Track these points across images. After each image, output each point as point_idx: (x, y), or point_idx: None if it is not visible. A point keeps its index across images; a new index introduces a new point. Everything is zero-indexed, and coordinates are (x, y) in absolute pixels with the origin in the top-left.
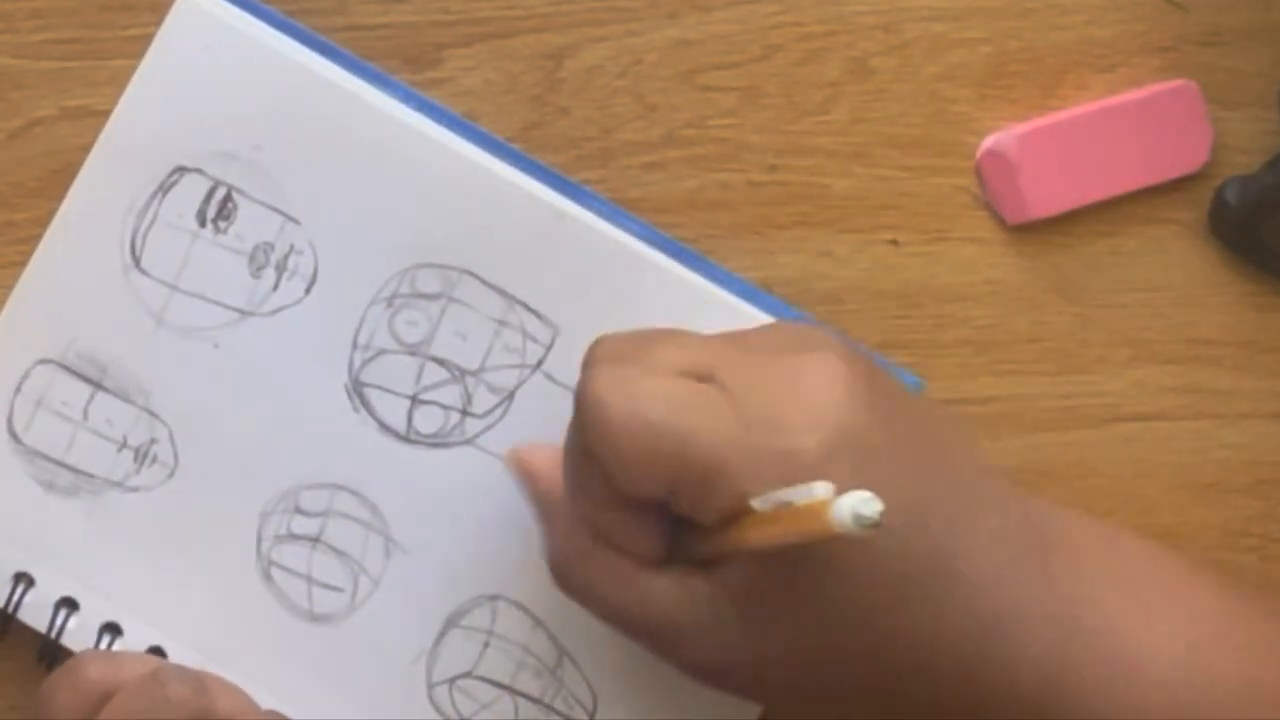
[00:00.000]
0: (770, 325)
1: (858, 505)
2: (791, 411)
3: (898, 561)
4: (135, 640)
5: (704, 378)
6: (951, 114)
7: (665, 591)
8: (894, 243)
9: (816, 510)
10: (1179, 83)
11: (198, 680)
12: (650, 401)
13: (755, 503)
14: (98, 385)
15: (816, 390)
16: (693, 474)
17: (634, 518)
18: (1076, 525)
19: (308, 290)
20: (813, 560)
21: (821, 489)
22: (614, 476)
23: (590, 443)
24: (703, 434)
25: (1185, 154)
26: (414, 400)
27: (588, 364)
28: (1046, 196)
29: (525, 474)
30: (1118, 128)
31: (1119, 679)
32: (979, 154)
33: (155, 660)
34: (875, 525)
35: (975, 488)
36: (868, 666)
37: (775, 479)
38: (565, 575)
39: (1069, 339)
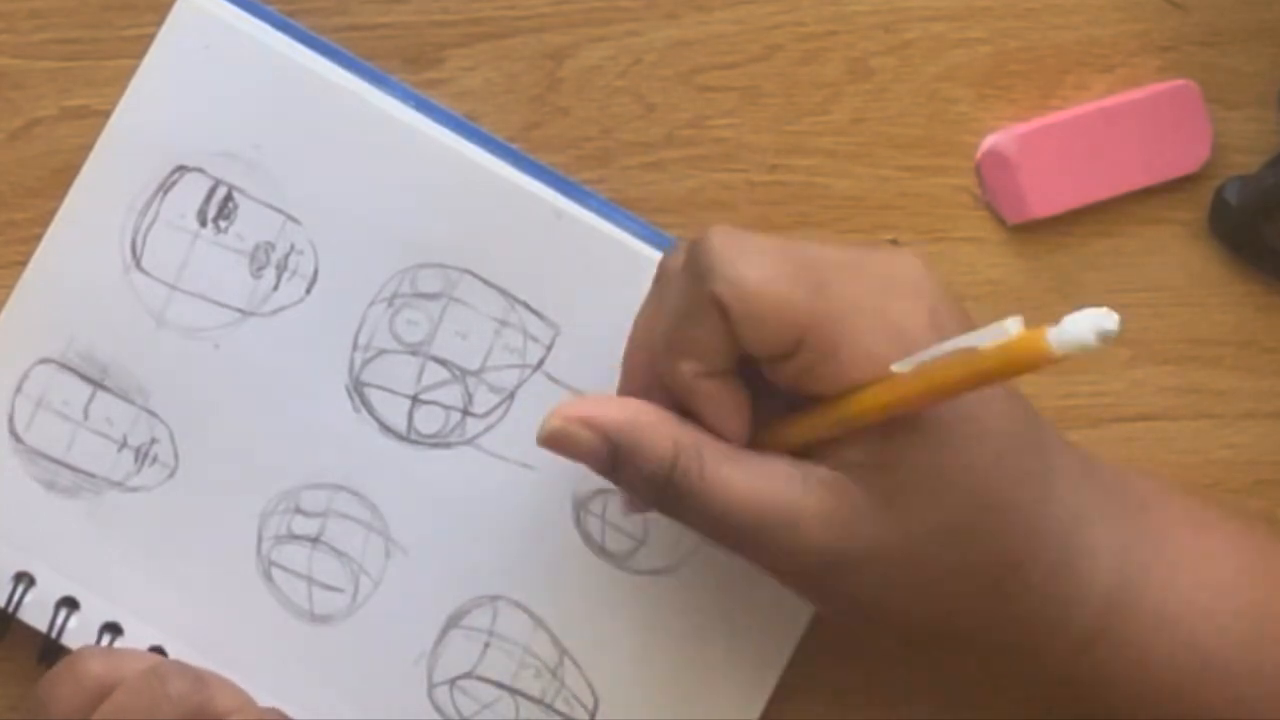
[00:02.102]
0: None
1: (1097, 320)
2: (897, 281)
3: (1007, 433)
4: (135, 640)
5: (819, 248)
6: (951, 114)
7: (782, 474)
8: (894, 243)
9: (1025, 341)
10: (1179, 83)
11: (197, 676)
12: (781, 256)
13: (899, 366)
14: (98, 385)
15: (911, 270)
16: (824, 328)
17: (731, 389)
18: (1145, 481)
19: (308, 290)
20: (930, 433)
21: (1011, 323)
22: (743, 328)
23: (718, 286)
24: (833, 289)
25: (1185, 154)
26: (414, 400)
27: (701, 238)
28: (1046, 196)
29: (586, 422)
30: (1118, 128)
31: (1186, 583)
32: (979, 154)
33: (155, 657)
34: (1115, 335)
35: (1051, 440)
36: (986, 547)
37: (896, 339)
38: (673, 485)
39: None
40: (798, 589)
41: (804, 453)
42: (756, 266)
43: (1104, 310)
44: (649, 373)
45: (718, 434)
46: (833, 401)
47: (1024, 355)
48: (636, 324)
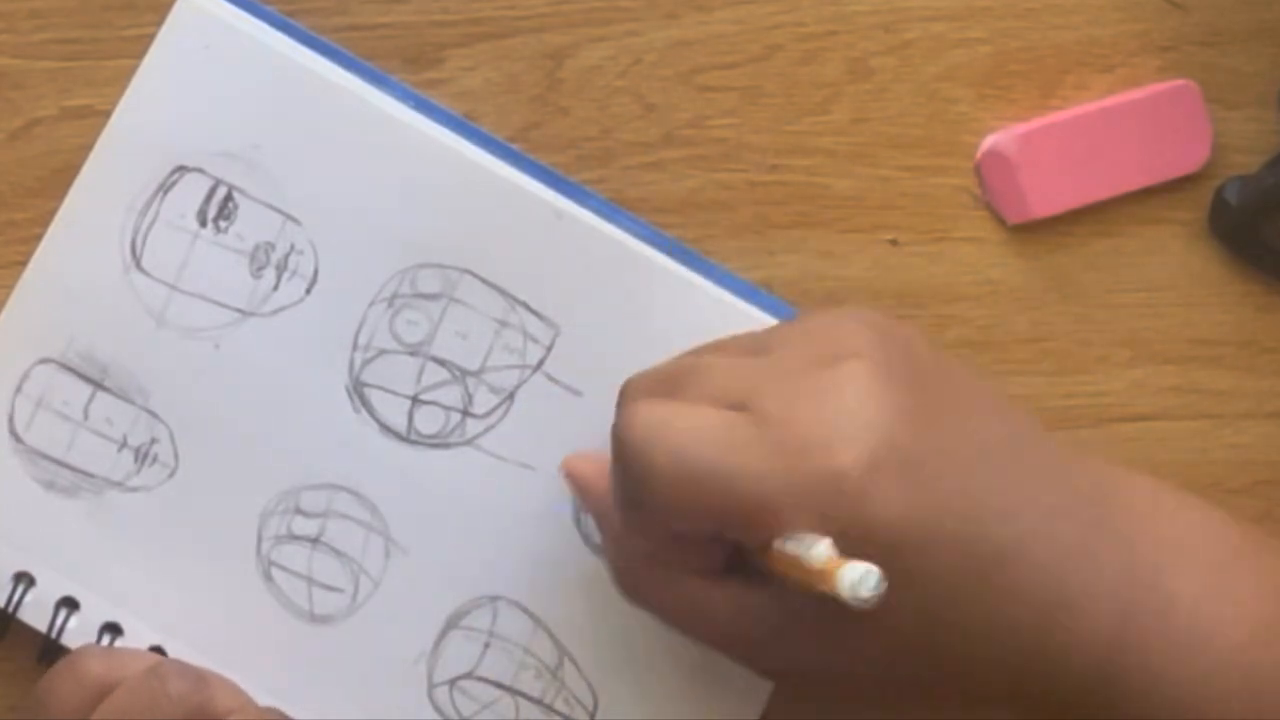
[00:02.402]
0: (799, 327)
1: (855, 582)
2: (828, 431)
3: (956, 562)
4: (135, 640)
5: (737, 405)
6: (951, 114)
7: (725, 604)
8: (894, 243)
9: (827, 567)
10: (1179, 83)
11: (197, 675)
12: (692, 446)
13: (776, 544)
14: (98, 385)
15: (850, 407)
16: (740, 512)
17: (690, 544)
18: (1138, 488)
19: (308, 290)
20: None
21: (821, 550)
22: (662, 520)
23: (636, 492)
24: (747, 473)
25: (1185, 154)
26: (414, 400)
27: (622, 404)
28: (1046, 196)
29: (580, 487)
30: (1118, 128)
31: (1182, 654)
32: (979, 154)
33: (155, 656)
34: (874, 601)
35: (1031, 465)
36: (928, 663)
37: (821, 507)
38: (625, 586)
39: (1069, 339)
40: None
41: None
42: (666, 463)
43: (866, 569)
44: None
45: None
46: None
47: (823, 582)
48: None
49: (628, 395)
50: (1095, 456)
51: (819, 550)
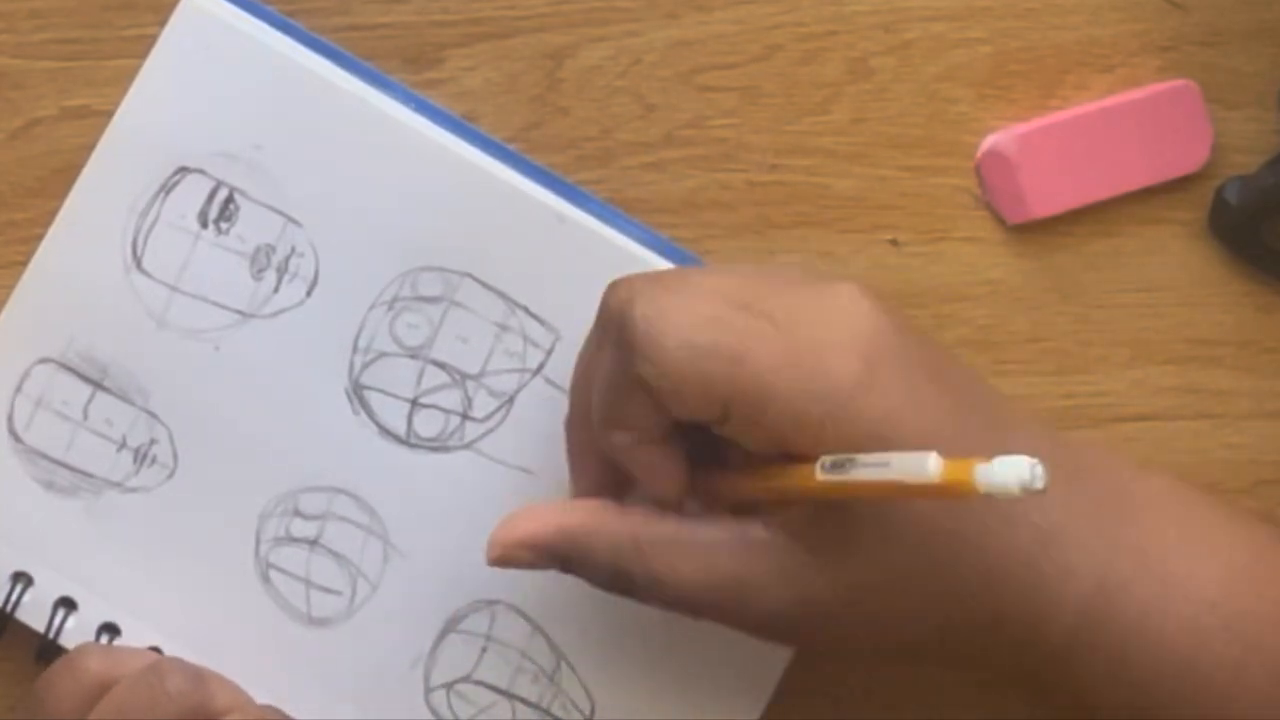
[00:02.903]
0: (788, 264)
1: (1024, 475)
2: (830, 331)
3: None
4: (133, 640)
5: (741, 305)
6: (951, 114)
7: (724, 547)
8: (894, 243)
9: (958, 469)
10: (1179, 83)
11: (196, 674)
12: (701, 327)
13: (823, 474)
14: (98, 385)
15: (849, 312)
16: (748, 395)
17: (667, 453)
18: (1107, 456)
19: (309, 292)
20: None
21: (933, 463)
22: (668, 401)
23: (644, 369)
24: (756, 358)
25: (1185, 154)
26: (414, 404)
27: (624, 294)
28: (1046, 196)
29: (528, 547)
30: (1118, 128)
31: (1162, 596)
32: (979, 154)
33: (154, 654)
34: (1040, 489)
35: (1009, 416)
36: (940, 585)
37: (825, 398)
38: (625, 575)
39: (1069, 339)
40: (768, 640)
41: (753, 506)
42: (676, 341)
43: (1031, 461)
44: (590, 447)
45: (655, 497)
46: (768, 469)
47: (950, 489)
48: (574, 379)
49: (626, 284)
50: (1062, 432)
51: (930, 465)
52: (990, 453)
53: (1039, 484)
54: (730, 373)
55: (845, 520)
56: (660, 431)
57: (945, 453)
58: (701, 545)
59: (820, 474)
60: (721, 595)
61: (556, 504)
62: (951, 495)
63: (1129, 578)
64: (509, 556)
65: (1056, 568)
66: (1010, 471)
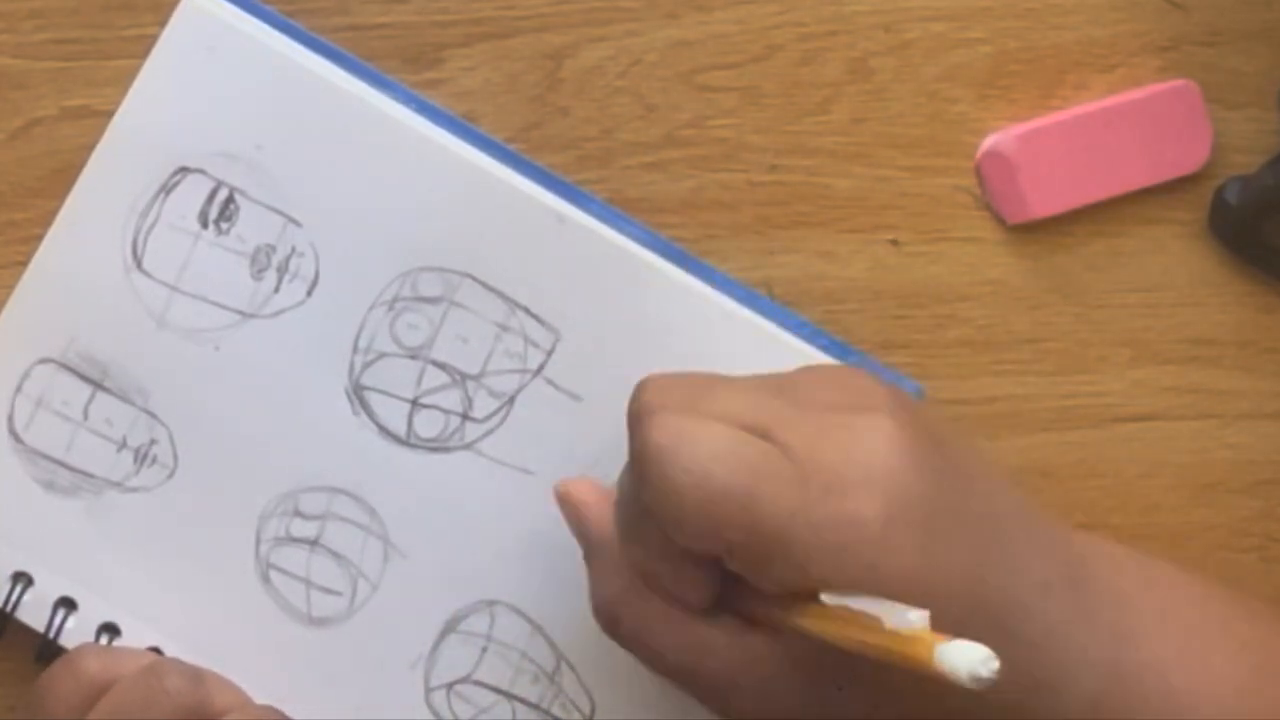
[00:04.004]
0: (817, 373)
1: (976, 663)
2: (850, 476)
3: (958, 630)
4: (133, 641)
5: (760, 433)
6: (951, 114)
7: (721, 644)
8: (894, 243)
9: (917, 641)
10: (1179, 83)
11: (195, 673)
12: (715, 462)
13: (826, 598)
14: (98, 385)
15: (873, 454)
16: (755, 540)
17: (687, 567)
18: (1116, 560)
19: (309, 293)
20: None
21: (916, 616)
22: (673, 533)
23: (651, 499)
24: (769, 501)
25: (1185, 154)
26: (414, 404)
27: (643, 411)
28: (1046, 196)
29: (574, 510)
30: (1118, 128)
31: (1165, 716)
32: (979, 154)
33: (153, 655)
34: (988, 685)
35: (1023, 538)
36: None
37: (838, 553)
38: (613, 619)
39: (1069, 339)
40: None
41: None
42: (690, 475)
43: (986, 653)
44: None
45: (686, 604)
46: (775, 600)
47: (911, 653)
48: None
49: (647, 400)
50: (1076, 530)
51: (913, 619)
52: (1010, 605)
53: (986, 675)
54: (740, 519)
55: (848, 663)
56: (674, 551)
57: (957, 612)
58: (697, 630)
59: (805, 618)
60: (703, 684)
61: (608, 497)
62: (914, 662)
63: (1129, 698)
64: (563, 498)
65: (1053, 689)
66: (962, 657)
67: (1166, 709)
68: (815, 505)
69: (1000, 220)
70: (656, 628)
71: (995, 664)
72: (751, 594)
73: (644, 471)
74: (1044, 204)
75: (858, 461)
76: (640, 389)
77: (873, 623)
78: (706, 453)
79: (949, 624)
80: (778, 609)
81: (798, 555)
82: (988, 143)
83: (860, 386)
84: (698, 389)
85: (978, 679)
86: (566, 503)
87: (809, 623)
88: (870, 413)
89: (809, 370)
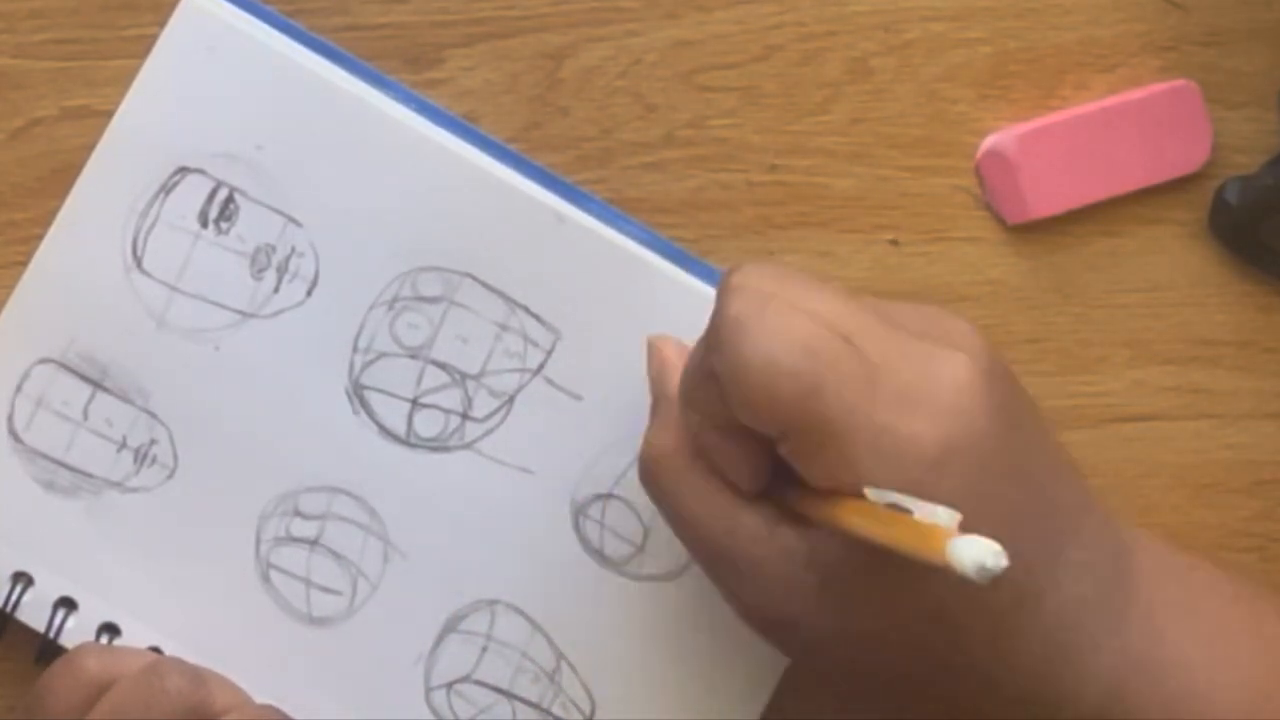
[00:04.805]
0: (915, 307)
1: (984, 555)
2: (921, 400)
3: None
4: (133, 641)
5: (844, 336)
6: (951, 114)
7: (753, 528)
8: (894, 243)
9: (934, 533)
10: (1179, 83)
11: (195, 673)
12: (788, 342)
13: (870, 493)
14: (98, 385)
15: (948, 387)
16: (812, 429)
17: (739, 444)
18: (1159, 556)
19: (309, 293)
20: (905, 560)
21: (945, 515)
22: (735, 406)
23: (718, 366)
24: (832, 393)
25: (1185, 154)
26: (414, 404)
27: (731, 284)
28: (1046, 196)
29: (656, 360)
30: (1118, 128)
31: (1181, 713)
32: (979, 154)
33: (153, 654)
34: (993, 577)
35: (1073, 517)
36: (931, 672)
37: (891, 461)
38: (655, 475)
39: (1069, 339)
40: (754, 630)
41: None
42: (761, 350)
43: (998, 549)
44: None
45: (730, 482)
46: (814, 494)
47: (928, 545)
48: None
49: (739, 274)
50: (1126, 523)
51: (944, 513)
52: (1042, 568)
53: (992, 567)
54: (801, 403)
55: (871, 571)
56: (730, 423)
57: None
58: (734, 508)
59: (842, 512)
60: (724, 561)
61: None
62: (930, 554)
63: (1150, 693)
64: (651, 347)
65: (1064, 690)
66: (973, 548)
67: (1185, 708)
68: (879, 411)
69: (1000, 220)
70: (693, 493)
71: (1004, 561)
72: (793, 485)
73: (718, 339)
74: (1044, 204)
75: (931, 386)
76: (732, 270)
77: (903, 518)
78: (783, 333)
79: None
80: (816, 501)
81: (850, 452)
82: (988, 143)
83: (953, 327)
84: (793, 281)
85: (983, 569)
86: (653, 354)
87: (844, 516)
88: (956, 350)
89: (907, 303)
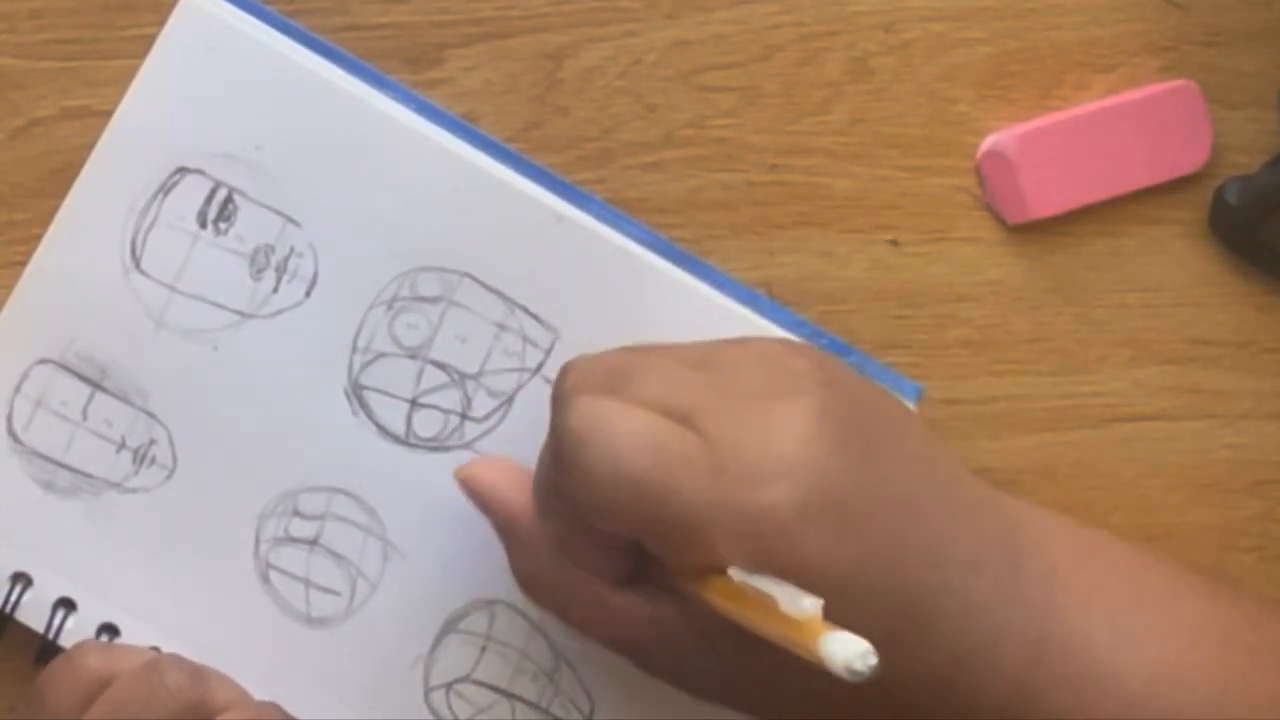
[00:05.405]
0: (748, 350)
1: (853, 657)
2: (767, 468)
3: (873, 614)
4: (132, 641)
5: (681, 419)
6: (951, 114)
7: (635, 613)
8: (894, 243)
9: (804, 627)
10: (1179, 83)
11: (195, 670)
12: (633, 451)
13: (734, 574)
14: (97, 386)
15: (791, 444)
16: (670, 530)
17: (601, 543)
18: (1054, 533)
19: (308, 293)
20: None
21: (809, 604)
22: (586, 515)
23: (567, 484)
24: (683, 492)
25: (1185, 154)
26: (413, 404)
27: (564, 394)
28: (1046, 196)
29: (479, 492)
30: (1118, 128)
31: (1085, 698)
32: (979, 154)
33: (153, 651)
34: (864, 677)
35: (950, 518)
36: (842, 700)
37: (750, 540)
38: (534, 591)
39: (1069, 339)
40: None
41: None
42: (604, 461)
43: (865, 648)
44: None
45: (595, 575)
46: (686, 576)
47: (799, 639)
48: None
49: (569, 382)
50: (1018, 500)
51: (806, 605)
52: (931, 581)
53: (862, 669)
54: (653, 508)
55: (754, 638)
56: (590, 529)
57: (872, 600)
58: (612, 599)
59: (713, 593)
60: (622, 648)
61: (521, 475)
62: (802, 652)
63: (1053, 673)
64: (465, 482)
65: (967, 689)
66: (842, 649)
67: (1090, 685)
68: (730, 495)
69: (1000, 220)
70: (574, 598)
71: (873, 660)
72: (665, 571)
73: (561, 456)
74: (1044, 204)
75: (775, 452)
76: (564, 371)
77: (771, 605)
78: (623, 441)
79: (863, 613)
80: (689, 582)
81: (710, 543)
82: (988, 143)
83: (788, 367)
84: (621, 372)
85: (853, 671)
86: (470, 487)
87: (716, 598)
88: (794, 397)
89: (740, 345)
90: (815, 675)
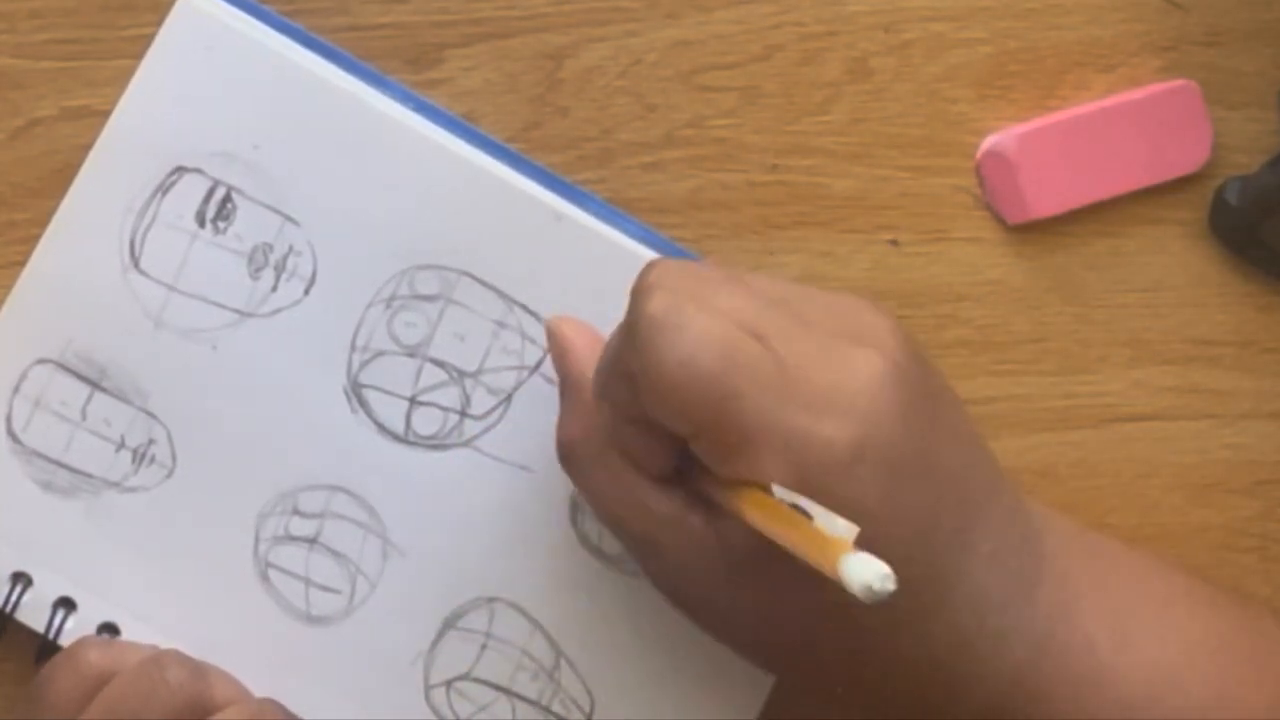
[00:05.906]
0: (832, 298)
1: (873, 577)
2: (833, 403)
3: (896, 568)
4: (132, 640)
5: (758, 335)
6: (951, 114)
7: (665, 513)
8: (894, 243)
9: (830, 544)
10: (1179, 83)
11: (196, 666)
12: (705, 348)
13: (776, 491)
14: (96, 385)
15: (861, 390)
16: (726, 431)
17: (651, 436)
18: (1066, 535)
19: (306, 291)
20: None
21: (843, 527)
22: (647, 403)
23: (634, 365)
24: (747, 399)
25: (1185, 154)
26: (412, 402)
27: (647, 285)
28: (1046, 196)
29: (561, 348)
30: (1118, 128)
31: (1084, 699)
32: (979, 154)
33: (154, 647)
34: (880, 599)
35: (984, 509)
36: (834, 654)
37: (801, 465)
38: (569, 461)
39: (1069, 339)
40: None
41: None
42: (677, 352)
43: (887, 571)
44: None
45: (640, 468)
46: (723, 483)
47: (823, 554)
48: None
49: (654, 274)
50: (1041, 505)
51: (840, 526)
52: (950, 564)
53: (879, 590)
54: (716, 406)
55: (777, 561)
56: (643, 416)
57: (900, 555)
58: (644, 493)
59: (747, 505)
60: (635, 539)
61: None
62: (826, 567)
63: (1053, 671)
64: (551, 332)
65: (969, 676)
66: (863, 567)
67: (1089, 686)
68: (791, 418)
69: (1000, 220)
70: (606, 479)
71: (892, 585)
72: (706, 478)
73: (634, 339)
74: (1044, 204)
75: (844, 389)
76: (649, 267)
77: (804, 522)
78: (698, 336)
79: (889, 562)
80: (725, 490)
81: (762, 455)
82: (988, 143)
83: (869, 322)
84: (707, 281)
85: (872, 591)
86: (553, 337)
87: (748, 509)
88: (871, 349)
89: (826, 293)
90: (823, 624)
